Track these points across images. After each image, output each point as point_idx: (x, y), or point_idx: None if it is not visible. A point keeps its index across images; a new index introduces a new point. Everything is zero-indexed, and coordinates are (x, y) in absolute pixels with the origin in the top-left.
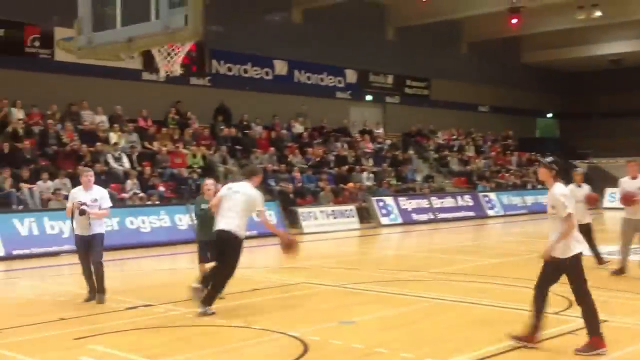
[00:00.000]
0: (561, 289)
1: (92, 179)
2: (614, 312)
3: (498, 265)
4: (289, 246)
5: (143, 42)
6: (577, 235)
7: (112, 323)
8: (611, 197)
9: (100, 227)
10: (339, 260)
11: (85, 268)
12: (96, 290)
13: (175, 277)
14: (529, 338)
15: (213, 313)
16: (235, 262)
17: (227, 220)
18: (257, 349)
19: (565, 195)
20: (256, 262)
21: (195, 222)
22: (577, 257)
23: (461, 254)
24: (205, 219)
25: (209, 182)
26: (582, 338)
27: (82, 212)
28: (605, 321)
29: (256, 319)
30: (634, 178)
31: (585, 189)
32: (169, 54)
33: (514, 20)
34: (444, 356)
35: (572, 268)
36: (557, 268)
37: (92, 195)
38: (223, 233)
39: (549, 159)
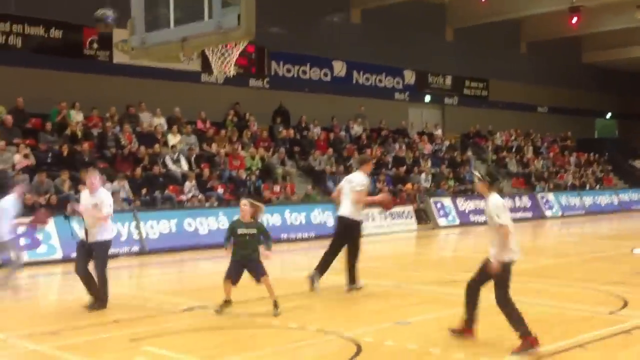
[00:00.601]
0: (615, 288)
1: (96, 182)
2: None
3: (555, 266)
4: (386, 205)
5: (196, 42)
6: (513, 243)
7: (167, 325)
8: None
9: (101, 234)
10: (396, 261)
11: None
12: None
13: None
14: (466, 330)
15: (360, 287)
16: (357, 241)
17: (344, 208)
18: (311, 351)
19: (498, 206)
20: (314, 263)
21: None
22: (508, 265)
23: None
24: (243, 243)
25: (243, 202)
26: (637, 337)
27: (69, 214)
28: None
29: (311, 320)
30: None
31: None
32: (222, 55)
33: (574, 20)
34: (498, 356)
35: (500, 274)
36: (488, 270)
37: (94, 199)
38: (341, 219)
39: (483, 171)
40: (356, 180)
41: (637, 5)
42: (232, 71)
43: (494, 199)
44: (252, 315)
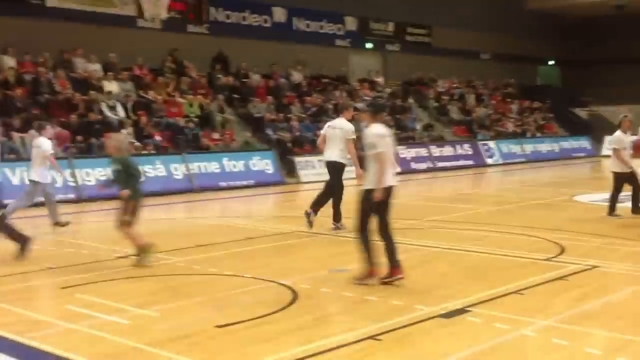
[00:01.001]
0: (553, 235)
1: None
2: (607, 258)
3: (495, 213)
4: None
5: None
6: (390, 171)
7: (101, 272)
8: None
9: None
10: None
11: None
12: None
13: (169, 227)
14: (393, 272)
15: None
16: (339, 181)
17: (331, 152)
18: (247, 297)
19: (378, 134)
20: (252, 211)
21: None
22: (386, 190)
23: (458, 203)
24: (120, 178)
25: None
26: (572, 283)
27: None
28: (596, 267)
29: (247, 267)
30: None
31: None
32: None
33: None
34: (435, 303)
35: (366, 201)
36: (368, 199)
37: None
38: (329, 162)
39: (365, 103)
40: (347, 128)
41: None
42: (163, 14)
43: (375, 128)
44: (188, 263)
